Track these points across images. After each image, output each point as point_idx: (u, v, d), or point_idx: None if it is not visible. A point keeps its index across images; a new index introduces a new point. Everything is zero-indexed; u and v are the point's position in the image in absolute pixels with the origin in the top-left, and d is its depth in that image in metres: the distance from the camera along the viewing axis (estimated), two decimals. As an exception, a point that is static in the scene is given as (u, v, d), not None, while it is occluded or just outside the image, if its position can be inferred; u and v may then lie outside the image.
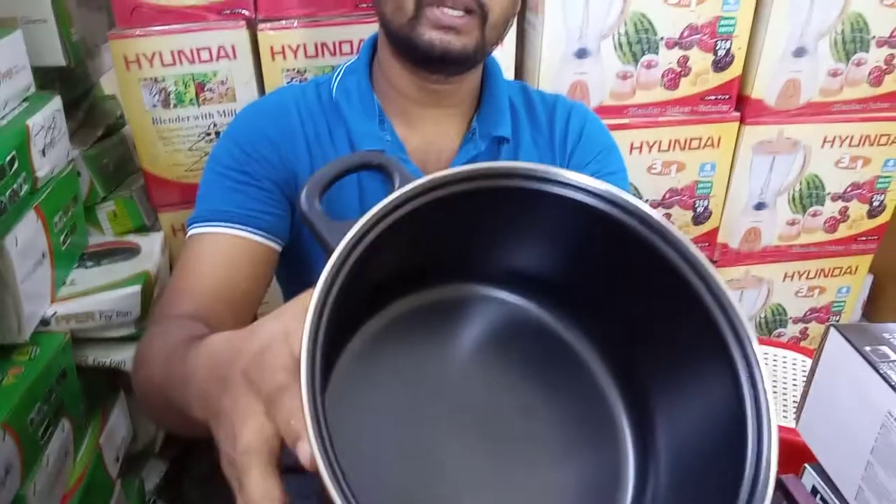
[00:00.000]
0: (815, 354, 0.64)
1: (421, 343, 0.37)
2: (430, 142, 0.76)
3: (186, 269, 0.71)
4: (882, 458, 0.55)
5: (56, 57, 1.06)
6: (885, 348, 0.59)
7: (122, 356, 1.03)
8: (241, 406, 0.34)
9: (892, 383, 0.55)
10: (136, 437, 1.21)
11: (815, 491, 0.64)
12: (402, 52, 0.70)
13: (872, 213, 1.34)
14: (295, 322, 0.32)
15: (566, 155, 0.77)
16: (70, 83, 1.21)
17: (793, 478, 0.64)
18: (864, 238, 1.37)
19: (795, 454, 0.65)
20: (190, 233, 0.74)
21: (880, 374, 0.56)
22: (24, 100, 0.97)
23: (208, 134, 1.13)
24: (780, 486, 0.64)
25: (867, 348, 0.59)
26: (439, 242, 0.35)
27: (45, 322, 0.96)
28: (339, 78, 0.77)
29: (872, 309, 1.61)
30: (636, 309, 0.37)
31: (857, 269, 1.41)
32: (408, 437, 0.36)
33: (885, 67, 1.20)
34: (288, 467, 0.35)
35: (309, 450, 0.29)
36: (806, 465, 0.64)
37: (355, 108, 0.74)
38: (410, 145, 0.75)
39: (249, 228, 0.71)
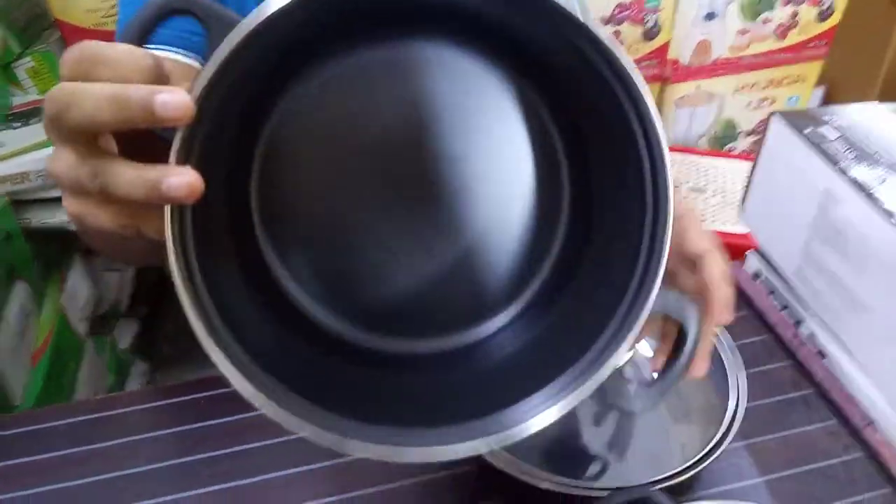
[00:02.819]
0: (758, 143, 0.64)
1: (349, 101, 0.36)
2: None
3: None
4: (820, 234, 0.57)
5: None
6: (824, 129, 0.59)
7: (66, 215, 1.01)
8: None
9: (831, 159, 0.56)
10: (101, 299, 1.21)
11: (757, 276, 0.66)
12: None
13: (823, 16, 1.32)
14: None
15: None
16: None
17: (736, 264, 0.67)
18: (813, 44, 1.35)
19: (736, 253, 0.68)
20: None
21: (820, 153, 0.57)
22: None
23: (123, -27, 1.04)
24: (725, 273, 0.66)
25: (807, 130, 0.59)
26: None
27: (-21, 186, 0.93)
28: None
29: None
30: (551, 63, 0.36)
31: (806, 76, 1.41)
32: (329, 192, 0.36)
33: None
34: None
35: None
36: (748, 252, 0.67)
37: None
38: None
39: (180, 50, 0.66)
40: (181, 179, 0.28)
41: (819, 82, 1.53)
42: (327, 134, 0.36)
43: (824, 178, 0.56)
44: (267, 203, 0.36)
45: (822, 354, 0.58)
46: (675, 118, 1.38)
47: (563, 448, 0.49)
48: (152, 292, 1.44)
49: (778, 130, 0.62)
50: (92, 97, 0.28)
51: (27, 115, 1.05)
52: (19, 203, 0.98)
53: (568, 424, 0.50)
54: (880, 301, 0.52)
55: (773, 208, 0.64)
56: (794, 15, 1.30)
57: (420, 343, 0.38)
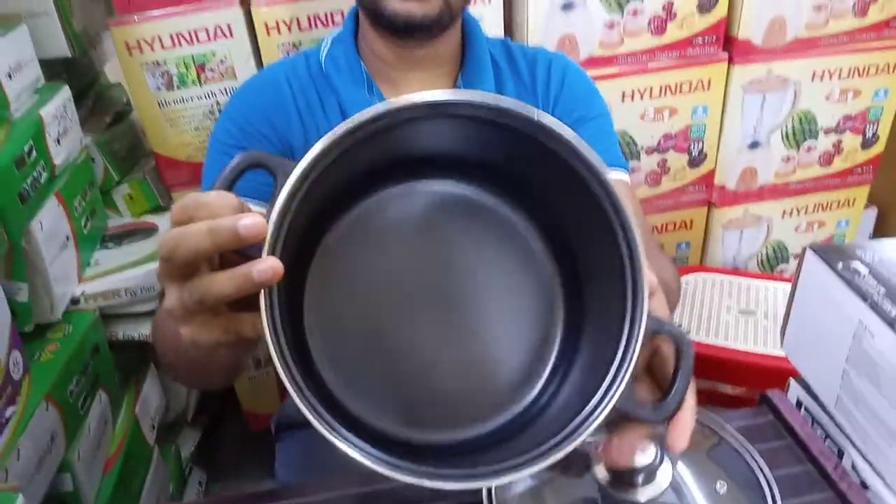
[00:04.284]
0: (795, 276, 0.68)
1: (380, 234, 0.45)
2: None
3: None
4: (856, 365, 0.59)
5: (61, 48, 1.10)
6: (856, 263, 0.62)
7: (149, 330, 1.09)
8: None
9: (862, 295, 0.58)
10: (168, 406, 1.28)
11: (799, 404, 0.68)
12: (373, 23, 0.74)
13: (866, 144, 1.36)
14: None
15: (549, 103, 0.80)
16: (76, 73, 1.25)
17: (778, 393, 0.69)
18: (859, 170, 1.39)
19: (785, 377, 0.70)
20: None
21: (852, 288, 0.60)
22: (35, 92, 1.01)
23: (212, 113, 1.17)
24: (768, 401, 0.68)
25: (840, 265, 0.62)
26: (377, 163, 0.43)
27: (74, 301, 1.02)
28: (326, 48, 0.81)
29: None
30: (553, 198, 0.45)
31: (854, 201, 1.44)
32: (370, 311, 0.45)
33: (869, -1, 1.21)
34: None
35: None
36: (791, 378, 0.69)
37: (344, 77, 0.78)
38: None
39: (251, 199, 0.75)
40: (266, 264, 0.36)
41: (869, 203, 1.55)
42: (367, 251, 0.45)
43: (857, 311, 0.59)
44: (314, 309, 0.44)
45: (864, 486, 0.59)
46: (722, 240, 1.42)
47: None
48: (215, 402, 1.50)
49: (811, 265, 0.65)
50: (194, 233, 0.36)
51: (120, 237, 1.17)
52: (107, 317, 1.07)
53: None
54: (918, 434, 0.53)
55: (811, 338, 0.66)
56: (838, 144, 1.35)
57: (449, 432, 0.45)
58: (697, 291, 1.31)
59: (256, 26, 1.13)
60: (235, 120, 0.79)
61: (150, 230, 1.18)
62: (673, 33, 1.19)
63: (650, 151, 1.29)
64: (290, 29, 1.13)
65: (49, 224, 0.95)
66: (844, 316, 0.60)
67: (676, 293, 0.81)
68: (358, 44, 0.80)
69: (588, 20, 1.16)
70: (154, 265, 1.07)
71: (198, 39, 1.12)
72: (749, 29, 1.21)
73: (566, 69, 0.82)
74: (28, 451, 0.81)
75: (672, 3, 1.16)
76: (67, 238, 1.01)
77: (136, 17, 1.09)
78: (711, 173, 1.34)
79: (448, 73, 0.79)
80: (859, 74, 1.27)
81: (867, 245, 0.65)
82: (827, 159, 1.36)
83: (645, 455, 0.52)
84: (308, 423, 0.38)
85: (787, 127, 1.31)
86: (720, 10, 1.18)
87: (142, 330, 1.09)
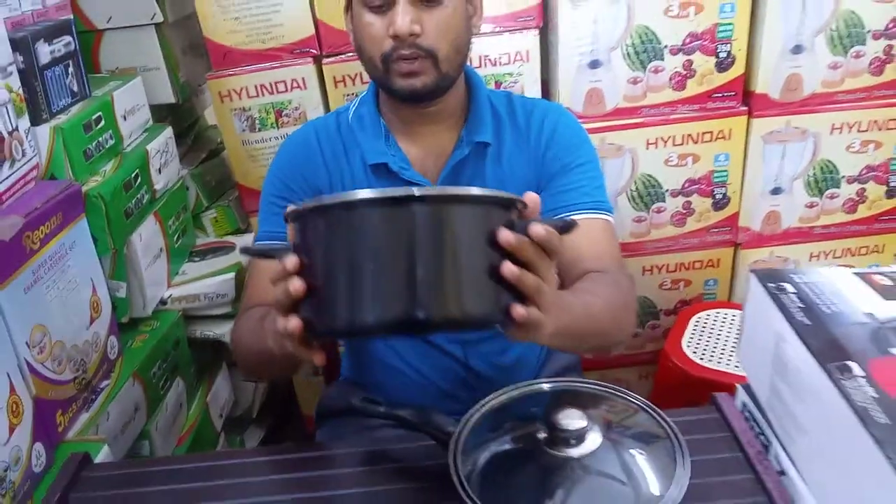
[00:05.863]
0: (744, 297, 0.79)
1: None
2: (428, 152, 0.94)
3: (250, 284, 0.95)
4: (777, 369, 0.70)
5: (167, 96, 1.34)
6: (786, 284, 0.73)
7: (223, 330, 1.29)
8: None
9: (783, 308, 0.69)
10: (236, 403, 1.47)
11: (745, 406, 0.78)
12: (386, 92, 0.91)
13: (891, 194, 1.42)
14: None
15: (541, 152, 0.93)
16: (180, 117, 1.50)
17: (726, 396, 0.79)
18: (885, 217, 1.44)
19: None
20: None
21: (776, 303, 0.71)
22: (144, 131, 1.25)
23: (287, 151, 1.38)
24: (715, 401, 0.78)
25: (772, 286, 0.73)
26: None
27: (163, 302, 1.23)
28: (354, 108, 0.98)
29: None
30: None
31: (884, 247, 1.48)
32: None
33: (884, 58, 1.30)
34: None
35: None
36: (737, 384, 0.79)
37: (366, 131, 0.94)
38: (412, 156, 0.94)
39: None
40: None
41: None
42: None
43: (778, 323, 0.70)
44: None
45: (782, 473, 0.69)
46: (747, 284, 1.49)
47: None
48: (280, 405, 1.69)
49: (754, 286, 0.76)
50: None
51: (205, 252, 1.38)
52: (189, 318, 1.28)
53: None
54: (814, 425, 0.63)
55: (754, 349, 0.77)
56: (862, 192, 1.42)
57: None
58: (725, 325, 1.40)
59: (326, 80, 1.33)
60: (276, 173, 0.97)
61: (229, 248, 1.39)
62: (693, 88, 1.31)
63: (675, 194, 1.40)
64: (353, 82, 1.33)
65: (147, 237, 1.17)
66: (770, 327, 0.71)
67: (620, 311, 0.85)
68: (379, 104, 0.96)
69: (613, 76, 1.30)
70: (229, 276, 1.27)
71: (277, 90, 1.33)
72: (766, 85, 1.31)
73: (558, 120, 0.95)
74: (115, 416, 1.01)
75: (691, 62, 1.29)
76: (161, 250, 1.23)
77: (229, 71, 1.32)
78: (735, 216, 1.43)
79: (453, 125, 0.94)
80: (878, 128, 1.35)
81: (803, 271, 0.76)
82: (851, 207, 1.43)
83: (578, 421, 0.66)
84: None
85: (808, 175, 1.39)
86: (738, 69, 1.30)
87: (216, 330, 1.29)
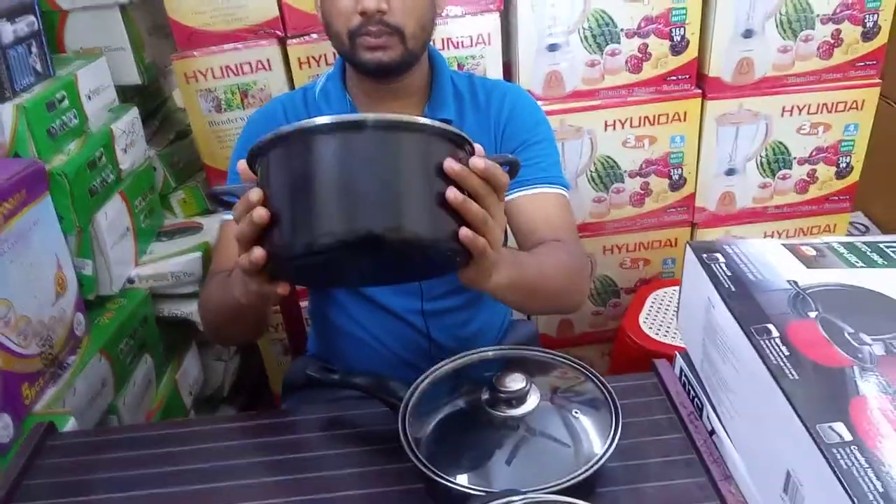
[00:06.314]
0: (682, 267, 0.83)
1: None
2: None
3: (218, 250, 0.98)
4: (707, 333, 0.74)
5: (133, 76, 1.35)
6: (717, 255, 0.77)
7: (190, 308, 1.31)
8: None
9: (713, 277, 0.74)
10: (207, 382, 1.50)
11: (682, 372, 0.83)
12: (352, 66, 0.94)
13: (841, 175, 1.47)
14: None
15: (500, 130, 0.97)
16: (148, 98, 1.51)
17: (664, 362, 0.83)
18: (835, 198, 1.50)
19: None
20: (223, 218, 0.99)
21: (707, 272, 0.75)
22: (110, 110, 1.26)
23: (253, 132, 1.40)
24: (654, 367, 0.83)
25: (705, 256, 0.78)
26: None
27: (130, 281, 1.25)
28: (321, 83, 1.00)
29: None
30: None
31: (834, 227, 1.54)
32: None
33: (833, 42, 1.34)
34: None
35: None
36: (677, 352, 0.83)
37: (332, 105, 0.97)
38: None
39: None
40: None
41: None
42: None
43: (707, 290, 0.74)
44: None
45: (712, 432, 0.73)
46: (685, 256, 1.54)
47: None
48: (251, 385, 1.71)
49: (689, 257, 0.80)
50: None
51: (172, 233, 1.40)
52: (157, 296, 1.30)
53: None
54: (737, 384, 0.68)
55: (689, 316, 0.81)
56: (813, 173, 1.47)
57: None
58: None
59: (291, 61, 1.35)
60: (244, 146, 0.97)
61: (196, 228, 1.41)
62: (648, 71, 1.35)
63: (633, 175, 1.44)
64: (318, 63, 1.35)
65: (112, 216, 1.19)
66: (701, 295, 0.75)
67: (574, 275, 0.89)
68: (345, 80, 0.99)
69: (571, 59, 1.33)
70: (196, 255, 1.29)
71: (242, 71, 1.35)
72: (719, 69, 1.36)
73: (517, 99, 0.99)
74: (82, 390, 1.03)
75: (647, 45, 1.33)
76: (127, 229, 1.25)
77: (194, 52, 1.33)
78: (692, 196, 1.48)
79: (417, 102, 0.98)
80: (828, 111, 1.40)
81: (735, 242, 0.80)
82: (803, 187, 1.48)
83: (518, 383, 0.69)
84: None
85: (761, 156, 1.44)
86: (691, 52, 1.34)
87: (184, 308, 1.31)
